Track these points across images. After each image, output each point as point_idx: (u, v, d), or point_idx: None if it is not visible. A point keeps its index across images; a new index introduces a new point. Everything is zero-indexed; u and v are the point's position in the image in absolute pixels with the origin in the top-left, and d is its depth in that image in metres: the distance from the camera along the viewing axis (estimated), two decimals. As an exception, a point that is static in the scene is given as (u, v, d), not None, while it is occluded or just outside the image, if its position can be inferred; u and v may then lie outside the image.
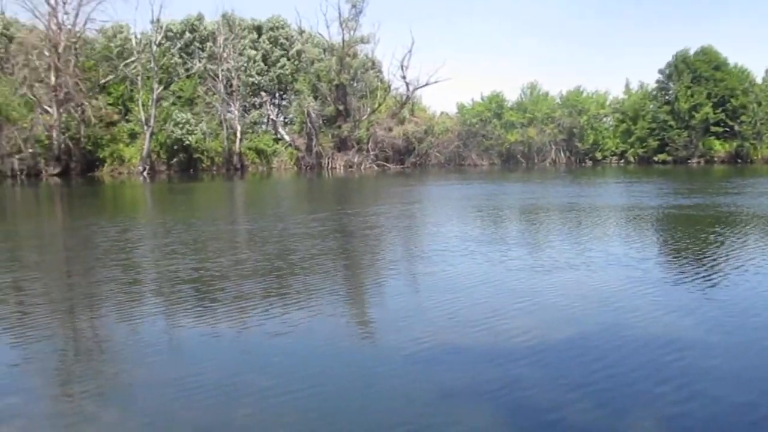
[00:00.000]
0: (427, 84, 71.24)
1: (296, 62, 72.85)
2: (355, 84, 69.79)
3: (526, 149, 74.86)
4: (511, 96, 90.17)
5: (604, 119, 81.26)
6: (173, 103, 62.73)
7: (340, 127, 67.05)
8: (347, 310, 11.31)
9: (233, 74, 64.55)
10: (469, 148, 72.59)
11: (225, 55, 64.33)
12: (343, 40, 67.97)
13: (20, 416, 7.06)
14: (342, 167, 65.44)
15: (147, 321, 10.76)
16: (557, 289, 11.61)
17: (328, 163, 66.44)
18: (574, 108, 77.15)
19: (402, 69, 71.32)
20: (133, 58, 61.83)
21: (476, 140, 72.83)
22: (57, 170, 57.77)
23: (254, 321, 10.30)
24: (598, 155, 79.82)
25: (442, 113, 78.73)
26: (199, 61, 66.50)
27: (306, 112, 66.14)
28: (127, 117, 61.98)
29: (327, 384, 7.72)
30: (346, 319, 10.74)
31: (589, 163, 79.63)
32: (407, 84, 71.13)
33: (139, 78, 60.84)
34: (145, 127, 58.44)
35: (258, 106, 71.40)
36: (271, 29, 74.53)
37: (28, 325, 10.70)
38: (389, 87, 73.15)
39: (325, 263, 15.23)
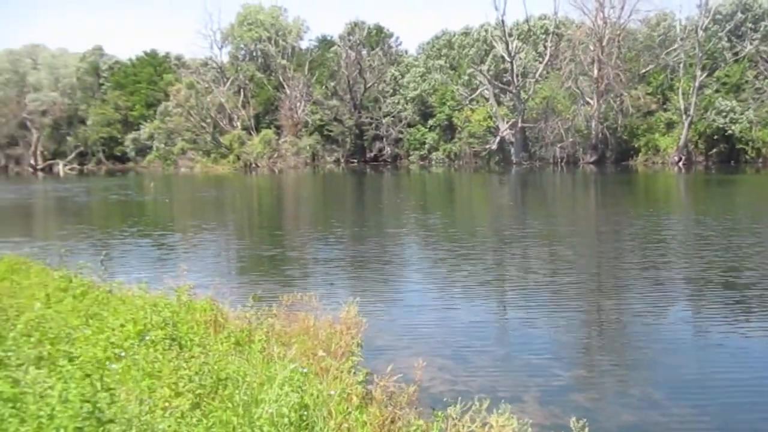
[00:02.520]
0: None
1: None
2: None
3: None
4: None
5: None
6: (717, 90, 58.78)
7: None
8: None
9: (792, 54, 57.01)
10: None
11: (784, 33, 57.28)
12: None
13: (592, 388, 7.32)
14: None
15: (705, 320, 10.11)
16: None
17: None
18: None
19: None
20: (675, 46, 60.33)
21: None
22: (593, 158, 60.76)
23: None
24: None
25: None
26: (750, 43, 60.62)
27: None
28: (665, 106, 60.83)
29: None
30: None
31: None
32: None
33: (681, 66, 58.97)
34: (684, 116, 56.33)
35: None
36: None
37: (582, 309, 11.22)
38: None
39: None
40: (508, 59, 61.00)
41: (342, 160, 73.21)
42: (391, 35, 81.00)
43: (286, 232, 21.82)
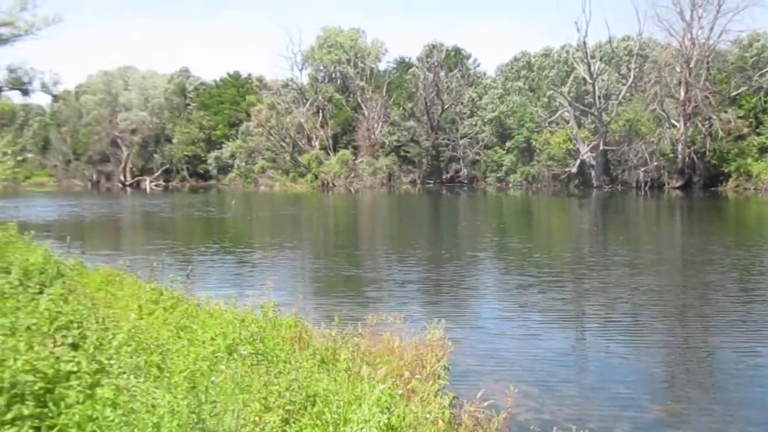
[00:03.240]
0: None
1: None
2: None
3: None
4: None
5: None
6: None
7: None
8: None
9: None
10: None
11: None
12: None
13: (685, 424, 6.98)
14: None
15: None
16: None
17: None
18: None
19: None
20: (768, 68, 57.87)
21: None
22: (679, 183, 58.53)
23: None
24: None
25: None
26: None
27: None
28: (758, 130, 58.07)
29: None
30: None
31: None
32: None
33: (775, 88, 56.45)
34: (778, 141, 53.84)
35: None
36: None
37: (673, 341, 10.73)
38: None
39: None
40: (589, 81, 59.82)
41: (418, 181, 73.36)
42: (469, 57, 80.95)
43: (365, 252, 21.95)
